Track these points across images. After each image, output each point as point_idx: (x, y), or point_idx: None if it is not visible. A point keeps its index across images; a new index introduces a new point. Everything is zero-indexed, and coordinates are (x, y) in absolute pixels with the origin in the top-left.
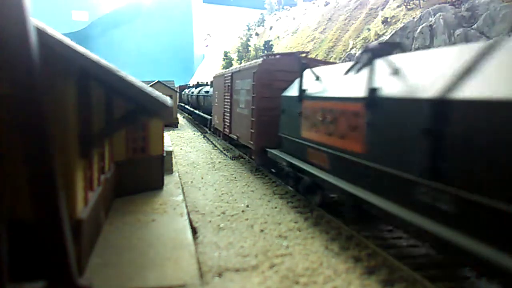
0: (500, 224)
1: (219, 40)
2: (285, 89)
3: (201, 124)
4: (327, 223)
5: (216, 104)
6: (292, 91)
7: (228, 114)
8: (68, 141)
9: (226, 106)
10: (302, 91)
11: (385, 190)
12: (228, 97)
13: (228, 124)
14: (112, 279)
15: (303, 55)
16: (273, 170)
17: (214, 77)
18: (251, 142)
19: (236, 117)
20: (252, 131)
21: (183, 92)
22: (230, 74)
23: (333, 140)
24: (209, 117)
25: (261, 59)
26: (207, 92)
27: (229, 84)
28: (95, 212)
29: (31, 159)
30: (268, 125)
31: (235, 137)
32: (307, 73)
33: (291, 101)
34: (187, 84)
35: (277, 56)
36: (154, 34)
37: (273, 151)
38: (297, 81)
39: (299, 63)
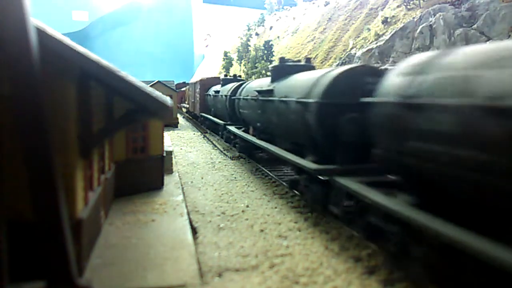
0: None
1: (219, 40)
2: None
3: None
4: (327, 223)
5: None
6: None
7: None
8: (68, 141)
9: None
10: None
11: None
12: None
13: None
14: (112, 279)
15: None
16: None
17: None
18: None
19: None
20: None
21: (209, 93)
22: None
23: None
24: None
25: None
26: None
27: None
28: (95, 212)
29: (31, 159)
30: None
31: None
32: None
33: None
34: (219, 78)
35: None
36: (154, 34)
37: None
38: None
39: None
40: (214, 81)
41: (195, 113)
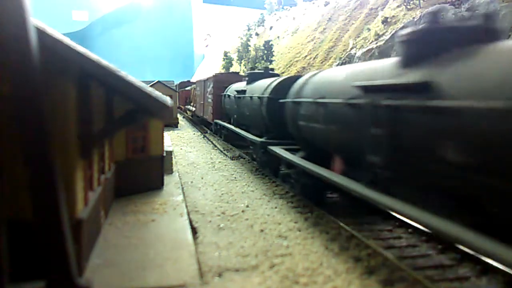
0: None
1: (219, 40)
2: None
3: None
4: (327, 223)
5: None
6: None
7: None
8: (68, 141)
9: None
10: None
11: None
12: None
13: None
14: (112, 279)
15: None
16: None
17: None
18: None
19: None
20: None
21: (227, 93)
22: None
23: None
24: None
25: None
26: None
27: None
28: (95, 212)
29: (31, 159)
30: None
31: None
32: None
33: None
34: (238, 73)
35: None
36: (154, 34)
37: None
38: None
39: None
40: (233, 77)
41: (205, 119)
